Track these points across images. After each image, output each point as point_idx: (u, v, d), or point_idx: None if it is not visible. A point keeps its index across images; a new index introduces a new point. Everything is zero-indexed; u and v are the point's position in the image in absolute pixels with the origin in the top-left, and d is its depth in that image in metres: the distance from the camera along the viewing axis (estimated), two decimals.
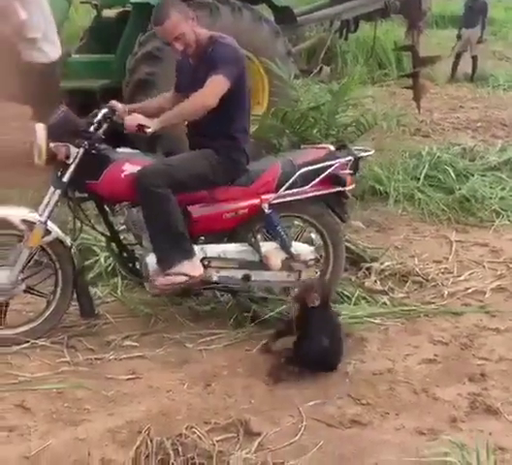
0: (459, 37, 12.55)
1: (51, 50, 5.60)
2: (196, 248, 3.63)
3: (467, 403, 3.15)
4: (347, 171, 3.84)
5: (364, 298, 4.11)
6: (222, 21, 6.15)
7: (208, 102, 3.50)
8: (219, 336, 3.69)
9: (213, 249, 3.70)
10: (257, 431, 2.89)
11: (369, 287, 4.27)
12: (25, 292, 3.65)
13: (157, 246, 3.56)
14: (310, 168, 3.75)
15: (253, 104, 6.53)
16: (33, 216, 3.53)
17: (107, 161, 3.56)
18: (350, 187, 3.87)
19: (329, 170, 3.78)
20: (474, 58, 12.39)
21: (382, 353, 3.58)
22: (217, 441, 2.77)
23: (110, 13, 6.92)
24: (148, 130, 3.46)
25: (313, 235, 3.95)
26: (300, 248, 3.83)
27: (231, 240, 3.77)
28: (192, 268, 3.56)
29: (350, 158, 3.86)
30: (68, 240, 3.62)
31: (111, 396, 3.15)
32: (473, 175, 6.06)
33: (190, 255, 3.57)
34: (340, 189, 3.83)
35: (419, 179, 6.00)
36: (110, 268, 4.34)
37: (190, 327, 3.76)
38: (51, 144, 3.50)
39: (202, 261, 3.63)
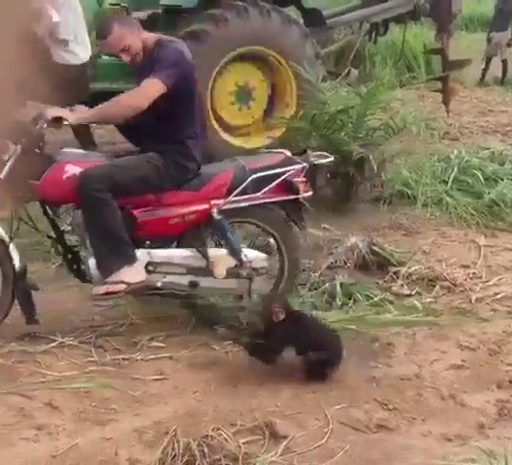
0: (489, 40, 12.44)
1: (82, 52, 5.65)
2: (141, 252, 3.56)
3: (496, 410, 3.13)
4: (301, 179, 3.76)
5: (391, 302, 4.09)
6: (251, 24, 6.17)
7: (135, 103, 3.46)
8: None
9: (160, 254, 3.62)
10: (283, 434, 2.88)
11: (397, 291, 4.25)
12: None
13: (96, 251, 3.51)
14: (263, 173, 3.67)
15: (281, 106, 6.59)
16: None
17: (49, 161, 3.52)
18: (305, 194, 3.75)
19: (282, 177, 3.70)
20: (504, 62, 12.26)
21: (409, 358, 3.55)
22: (243, 443, 2.77)
23: (139, 14, 6.94)
24: (65, 122, 3.42)
25: (271, 242, 3.89)
26: (251, 255, 3.74)
27: (181, 245, 3.70)
28: (132, 275, 3.48)
29: (305, 165, 3.77)
30: (6, 240, 3.51)
31: (137, 396, 3.17)
32: (502, 180, 5.99)
33: (131, 260, 3.49)
34: (293, 197, 3.74)
35: (447, 183, 5.95)
36: None
37: (216, 329, 3.77)
38: None
39: (147, 265, 3.57)
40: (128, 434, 2.89)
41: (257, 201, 3.69)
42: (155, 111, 3.48)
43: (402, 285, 4.31)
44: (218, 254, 3.67)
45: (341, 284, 4.17)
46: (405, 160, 6.37)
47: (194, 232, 3.67)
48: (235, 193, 3.63)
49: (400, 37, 9.51)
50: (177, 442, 2.66)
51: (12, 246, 3.53)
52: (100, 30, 3.56)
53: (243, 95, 6.45)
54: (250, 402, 3.14)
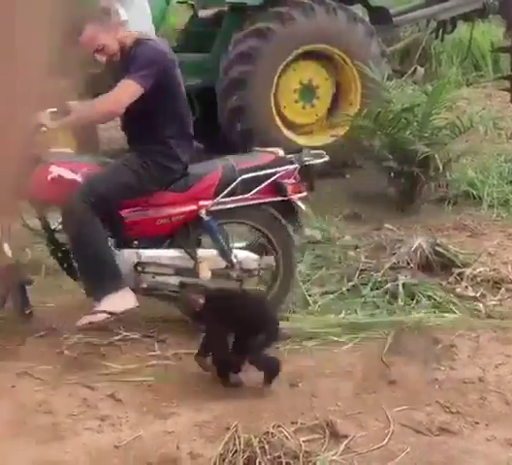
0: None
1: None
2: (129, 252, 3.54)
3: None
4: (291, 180, 3.64)
5: (454, 304, 4.03)
6: (317, 22, 6.16)
7: (110, 108, 3.41)
8: (307, 337, 3.68)
9: (147, 254, 3.58)
10: (343, 434, 2.86)
11: (460, 293, 4.17)
12: None
13: (82, 275, 3.51)
14: (252, 174, 3.59)
15: (345, 105, 6.55)
16: None
17: (37, 162, 3.50)
18: (294, 196, 3.65)
19: (272, 178, 3.61)
20: None
21: (473, 361, 3.49)
22: (303, 441, 2.76)
23: (206, 12, 6.99)
24: (43, 129, 3.37)
25: (264, 242, 3.79)
26: (242, 256, 3.69)
27: (172, 246, 3.65)
28: (117, 303, 3.42)
29: (296, 166, 3.67)
30: None
31: (198, 391, 3.19)
32: None
33: (116, 287, 3.43)
34: (282, 198, 3.64)
35: None
36: None
37: None
38: None
39: (136, 265, 3.56)
40: (189, 428, 2.92)
41: (246, 203, 3.61)
42: (133, 111, 3.40)
43: (467, 287, 4.23)
44: (206, 255, 3.63)
45: (404, 284, 4.13)
46: (471, 160, 6.26)
47: (183, 233, 3.63)
48: (223, 194, 3.56)
49: (468, 35, 9.33)
50: (238, 437, 2.67)
51: (5, 243, 3.55)
52: (73, 32, 3.42)
53: (307, 93, 6.44)
54: (310, 401, 3.14)
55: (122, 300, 3.44)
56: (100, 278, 3.43)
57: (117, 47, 3.47)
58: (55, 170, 3.46)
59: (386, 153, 5.69)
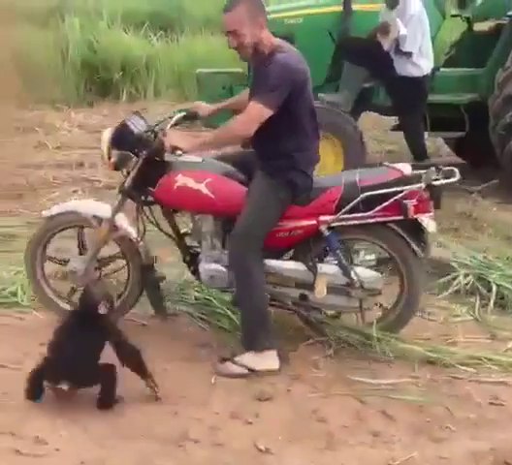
0: None
1: (425, 64, 5.70)
2: None
3: None
4: (415, 200, 3.43)
5: None
6: None
7: (243, 131, 3.41)
8: None
9: (270, 264, 3.56)
10: None
11: None
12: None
13: (242, 323, 3.56)
14: (374, 192, 3.45)
15: None
16: (104, 212, 3.69)
17: (164, 169, 3.59)
18: (423, 215, 3.46)
19: (395, 198, 3.43)
20: None
21: None
22: None
23: (481, 26, 6.81)
24: (178, 152, 3.42)
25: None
26: (363, 274, 3.57)
27: (293, 258, 3.64)
28: (260, 362, 3.41)
29: (421, 185, 3.45)
30: (135, 237, 3.70)
31: (472, 419, 3.08)
32: None
33: (269, 346, 3.43)
34: (404, 218, 3.45)
35: None
36: (468, 286, 4.30)
37: None
38: (112, 152, 3.59)
39: None
40: (464, 457, 2.82)
41: (367, 221, 3.51)
42: (260, 127, 3.37)
43: None
44: (326, 270, 3.57)
45: None
46: None
47: (304, 247, 3.59)
48: (344, 210, 3.48)
49: None
50: None
51: (140, 244, 3.73)
52: (226, 4, 3.39)
53: None
54: None
55: (269, 360, 3.45)
56: (256, 332, 3.47)
57: (252, 43, 3.40)
58: (181, 180, 3.56)
59: None
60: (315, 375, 3.41)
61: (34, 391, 3.15)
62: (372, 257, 3.79)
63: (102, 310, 3.16)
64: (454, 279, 4.36)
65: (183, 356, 3.57)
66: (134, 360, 3.15)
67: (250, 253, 3.43)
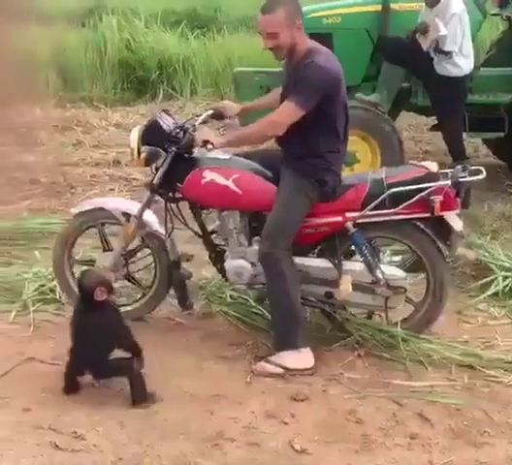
0: None
1: (465, 64, 5.63)
2: None
3: None
4: (441, 197, 3.41)
5: None
6: None
7: (271, 131, 3.47)
8: None
9: (295, 261, 3.53)
10: None
11: None
12: (125, 278, 3.89)
13: (274, 323, 3.58)
14: (401, 189, 3.45)
15: None
16: (132, 209, 3.72)
17: (192, 166, 3.61)
18: (449, 212, 3.45)
19: (420, 194, 3.42)
20: None
21: None
22: None
23: None
24: (209, 146, 3.45)
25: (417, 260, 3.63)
26: (389, 272, 3.57)
27: (319, 256, 3.65)
28: (296, 361, 3.41)
29: (447, 182, 3.44)
30: (163, 234, 3.75)
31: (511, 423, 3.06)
32: None
33: (300, 346, 3.42)
34: (430, 215, 3.45)
35: None
36: (507, 289, 4.24)
37: None
38: (142, 148, 3.59)
39: None
40: (504, 461, 2.79)
41: (393, 217, 3.50)
42: (291, 126, 3.40)
43: None
44: (351, 268, 3.58)
45: None
46: None
47: (330, 244, 3.59)
48: (370, 207, 3.47)
49: None
50: None
51: (167, 241, 3.77)
52: (265, 5, 3.41)
53: None
54: None
55: (302, 360, 3.44)
56: (290, 331, 3.47)
57: (289, 45, 3.42)
58: (208, 175, 3.58)
59: None
60: (351, 376, 3.40)
61: (70, 386, 3.20)
62: (398, 258, 3.79)
63: (98, 296, 3.17)
64: (492, 281, 4.30)
65: (219, 355, 3.58)
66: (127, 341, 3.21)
67: (281, 252, 3.45)
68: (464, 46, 5.64)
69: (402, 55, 5.74)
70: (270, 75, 6.27)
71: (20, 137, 8.19)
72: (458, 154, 5.79)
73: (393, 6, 5.97)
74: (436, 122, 6.24)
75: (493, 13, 7.05)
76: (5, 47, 10.07)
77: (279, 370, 3.41)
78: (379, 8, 5.96)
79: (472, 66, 5.72)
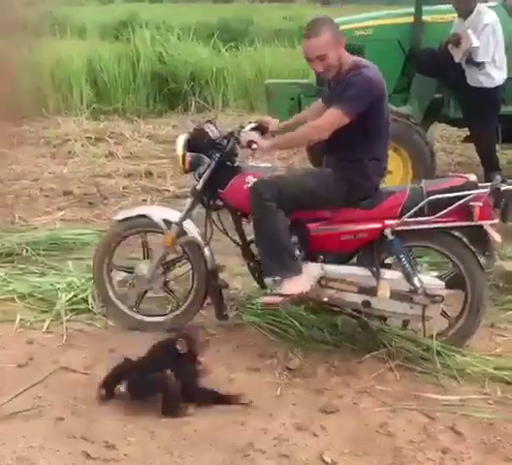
0: None
1: (498, 75, 5.60)
2: (314, 266, 3.60)
3: None
4: (480, 204, 3.40)
5: None
6: None
7: (317, 135, 3.52)
8: None
9: (333, 269, 3.61)
10: None
11: None
12: (161, 287, 3.92)
13: (261, 257, 3.64)
14: (440, 196, 3.45)
15: None
16: (173, 217, 3.77)
17: (234, 172, 3.70)
18: (487, 222, 3.44)
19: (459, 202, 3.42)
20: None
21: None
22: None
23: None
24: (254, 146, 3.52)
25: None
26: (427, 281, 3.55)
27: (357, 263, 3.66)
28: (289, 287, 3.52)
29: (486, 190, 3.44)
30: (201, 243, 3.79)
31: None
32: None
33: (291, 273, 3.52)
34: (468, 223, 3.44)
35: None
36: None
37: None
38: (187, 154, 3.65)
39: (320, 280, 3.58)
40: None
41: (432, 225, 3.49)
42: (334, 132, 3.46)
43: None
44: (389, 276, 3.57)
45: None
46: None
47: (368, 252, 3.60)
48: (409, 213, 3.48)
49: None
50: None
51: (206, 249, 3.81)
52: (308, 29, 3.45)
53: None
54: None
55: (296, 285, 3.53)
56: (278, 262, 3.54)
57: (337, 64, 3.51)
58: (251, 181, 3.63)
59: None
60: (382, 388, 3.38)
61: (106, 395, 3.24)
62: (435, 273, 3.75)
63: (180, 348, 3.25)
64: None
65: (249, 366, 3.58)
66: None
67: (269, 198, 3.50)
68: (497, 57, 5.62)
69: (434, 67, 5.74)
70: (300, 86, 6.31)
71: (54, 148, 8.33)
72: (491, 166, 5.75)
73: (425, 17, 5.98)
74: (469, 134, 6.21)
75: None
76: (40, 60, 10.26)
77: (277, 298, 3.57)
78: (411, 19, 5.98)
79: (505, 76, 5.69)
